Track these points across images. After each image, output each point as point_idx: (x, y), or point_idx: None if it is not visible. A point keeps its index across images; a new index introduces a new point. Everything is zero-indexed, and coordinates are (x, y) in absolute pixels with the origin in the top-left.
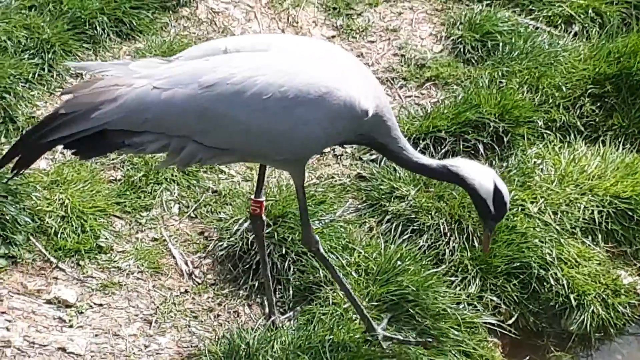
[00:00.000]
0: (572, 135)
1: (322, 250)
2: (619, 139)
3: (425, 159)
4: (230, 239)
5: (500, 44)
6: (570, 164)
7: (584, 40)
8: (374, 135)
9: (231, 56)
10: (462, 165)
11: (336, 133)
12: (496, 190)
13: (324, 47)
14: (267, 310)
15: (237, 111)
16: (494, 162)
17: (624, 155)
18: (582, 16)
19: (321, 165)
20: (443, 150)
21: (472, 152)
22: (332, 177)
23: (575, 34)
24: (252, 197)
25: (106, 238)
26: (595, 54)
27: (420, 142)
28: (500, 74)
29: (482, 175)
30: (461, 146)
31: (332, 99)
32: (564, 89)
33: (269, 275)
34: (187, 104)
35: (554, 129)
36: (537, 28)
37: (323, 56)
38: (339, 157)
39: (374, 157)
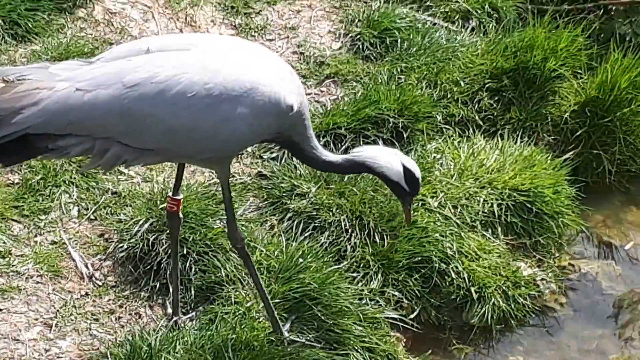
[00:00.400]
0: (471, 130)
1: (246, 248)
2: (517, 132)
3: (332, 156)
4: (131, 241)
5: (399, 41)
6: (469, 158)
7: (481, 35)
8: (291, 133)
9: (154, 55)
10: (368, 153)
11: (261, 130)
12: (406, 170)
13: (246, 45)
14: (169, 310)
15: (161, 110)
16: None
17: (522, 148)
18: (479, 11)
19: None
20: (343, 147)
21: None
22: (233, 176)
23: (473, 29)
24: (170, 194)
25: (4, 242)
26: (493, 48)
27: (321, 139)
28: (399, 70)
29: (388, 158)
30: (361, 142)
31: (257, 94)
32: (462, 83)
33: (178, 274)
34: (111, 104)
35: (453, 123)
36: (434, 24)
37: (246, 54)
38: (239, 155)
39: (274, 155)
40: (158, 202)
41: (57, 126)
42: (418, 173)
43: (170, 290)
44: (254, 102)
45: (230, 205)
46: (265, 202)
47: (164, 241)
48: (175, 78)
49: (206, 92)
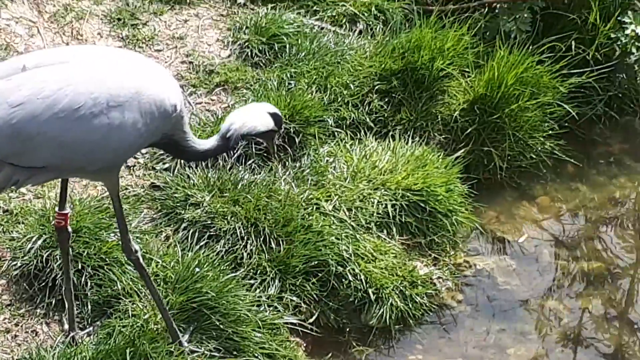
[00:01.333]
0: (363, 132)
1: (141, 259)
2: (408, 133)
3: (209, 143)
4: (24, 258)
5: (287, 46)
6: (362, 160)
7: (369, 37)
8: (173, 132)
9: (34, 72)
10: (236, 123)
11: (149, 133)
12: (274, 116)
13: (121, 53)
14: (66, 326)
15: (51, 126)
16: (287, 163)
17: (413, 148)
18: (366, 14)
19: None
20: (235, 155)
21: (265, 154)
22: (126, 189)
23: (360, 32)
24: (57, 209)
25: None
26: (381, 50)
27: None
28: (288, 75)
29: (256, 116)
30: (253, 149)
31: (143, 98)
32: (352, 86)
33: (71, 289)
34: None
35: (344, 126)
36: (322, 28)
37: (123, 61)
38: (131, 167)
39: (167, 165)
40: (50, 218)
41: None
42: (279, 112)
43: (66, 306)
44: (140, 106)
45: (122, 217)
46: (160, 213)
47: (58, 257)
48: (60, 91)
49: (93, 102)
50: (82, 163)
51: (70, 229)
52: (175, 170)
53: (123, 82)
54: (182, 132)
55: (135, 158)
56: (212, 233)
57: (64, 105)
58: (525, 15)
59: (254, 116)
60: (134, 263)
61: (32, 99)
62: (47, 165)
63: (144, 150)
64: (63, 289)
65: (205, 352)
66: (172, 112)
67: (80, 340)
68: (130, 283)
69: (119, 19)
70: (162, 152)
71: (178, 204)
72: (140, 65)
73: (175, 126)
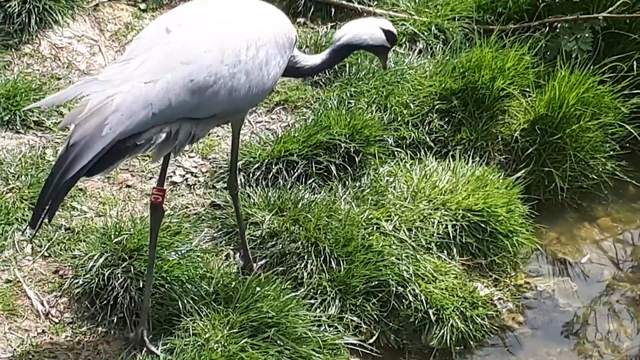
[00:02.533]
0: (423, 152)
1: (239, 195)
2: (468, 153)
3: (318, 58)
4: (86, 276)
5: (347, 65)
6: (422, 180)
7: (429, 57)
8: (291, 58)
9: (184, 30)
10: (349, 35)
11: (283, 64)
12: (386, 32)
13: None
14: (140, 331)
15: (221, 73)
16: (347, 182)
17: (473, 168)
18: (426, 33)
19: (175, 196)
20: (296, 174)
21: (325, 173)
22: (187, 207)
23: (420, 51)
24: (155, 185)
25: None
26: (441, 70)
27: (273, 166)
28: (348, 94)
29: (368, 30)
30: (314, 168)
31: (277, 35)
32: (412, 106)
33: (152, 280)
34: (181, 86)
35: (404, 146)
36: None
37: (249, 8)
38: (192, 186)
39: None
40: (112, 236)
41: (143, 123)
42: (394, 29)
43: (144, 297)
44: (277, 41)
45: (237, 152)
46: (220, 232)
47: (119, 275)
48: (221, 41)
49: (247, 46)
50: (242, 104)
51: (165, 207)
52: None
53: (260, 24)
54: (295, 55)
55: (195, 177)
56: (272, 252)
57: (228, 52)
58: (587, 35)
59: (366, 29)
60: (233, 197)
61: (200, 54)
62: (218, 113)
63: (204, 169)
64: (144, 278)
65: None
66: (293, 42)
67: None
68: (191, 302)
69: None
70: (221, 170)
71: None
72: (262, 9)
73: (293, 53)
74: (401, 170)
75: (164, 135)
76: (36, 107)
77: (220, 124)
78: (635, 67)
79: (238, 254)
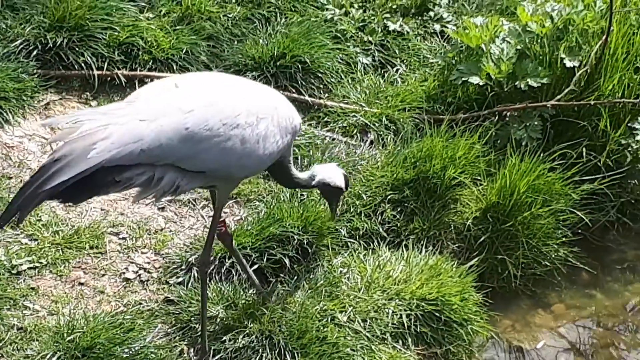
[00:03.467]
0: (376, 242)
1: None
2: (422, 242)
3: (301, 175)
4: None
5: (299, 157)
6: (375, 270)
7: (380, 147)
8: (285, 155)
9: (192, 87)
10: (324, 174)
11: (282, 147)
12: (345, 177)
13: (249, 82)
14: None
15: (216, 131)
16: (300, 274)
17: (427, 257)
18: (377, 124)
19: (128, 293)
20: (250, 266)
21: (279, 266)
22: (140, 303)
23: (372, 142)
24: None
25: None
26: (392, 160)
27: (226, 260)
28: None
29: (337, 174)
30: (266, 261)
31: (280, 115)
32: (364, 196)
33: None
34: (175, 130)
35: (357, 237)
36: (333, 139)
37: (255, 86)
38: (145, 282)
39: (180, 279)
40: (65, 335)
41: (130, 156)
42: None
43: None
44: (280, 121)
45: (214, 229)
46: (174, 328)
47: None
48: (222, 101)
49: (247, 113)
50: (234, 169)
51: (230, 231)
52: (189, 284)
53: (264, 100)
54: (289, 157)
55: (149, 273)
56: (227, 346)
57: (227, 112)
58: (536, 122)
59: (336, 174)
60: (200, 274)
61: (200, 106)
62: (207, 170)
63: (157, 265)
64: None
65: None
66: (296, 131)
67: None
68: None
69: None
70: (175, 265)
71: (192, 318)
72: (268, 90)
73: (288, 150)
74: (355, 261)
75: (144, 178)
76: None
77: (205, 186)
78: (584, 153)
79: (193, 348)
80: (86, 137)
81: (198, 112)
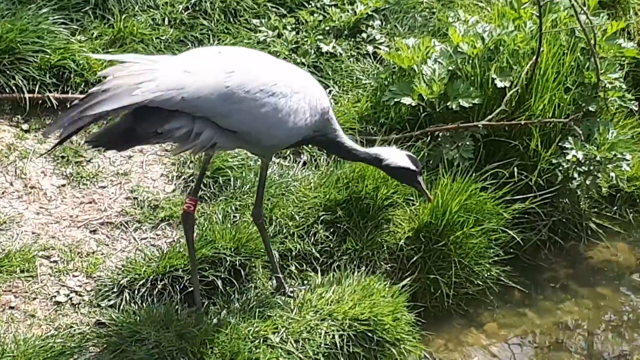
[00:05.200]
0: (309, 263)
1: (264, 224)
2: (354, 263)
3: (357, 146)
4: None
5: (232, 179)
6: (308, 291)
7: (313, 168)
8: (326, 132)
9: (236, 55)
10: (385, 155)
11: (310, 124)
12: (410, 157)
13: (284, 62)
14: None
15: (253, 95)
16: (232, 296)
17: (359, 277)
18: (310, 145)
19: (59, 316)
20: (180, 289)
21: (211, 288)
22: (71, 327)
23: (305, 163)
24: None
25: None
26: (325, 181)
27: (158, 282)
28: (233, 208)
29: (396, 155)
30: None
31: (312, 94)
32: (297, 218)
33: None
34: (215, 85)
35: (290, 258)
36: None
37: (291, 65)
38: (76, 305)
39: (112, 302)
40: None
41: (170, 102)
42: (416, 157)
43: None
44: (309, 99)
45: (263, 187)
46: (106, 351)
47: None
48: (261, 69)
49: (283, 85)
50: (263, 136)
51: (196, 216)
52: (121, 307)
53: (299, 77)
54: (333, 130)
55: (80, 296)
56: None
57: (264, 80)
58: (468, 143)
59: (395, 154)
60: (258, 225)
61: (241, 70)
62: (239, 131)
63: (88, 288)
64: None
65: None
66: (325, 112)
67: None
68: None
69: (62, 157)
70: (106, 288)
71: (124, 341)
72: (301, 70)
73: (326, 126)
74: (287, 282)
75: (184, 131)
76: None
77: (238, 146)
78: (516, 173)
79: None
80: (134, 76)
81: (239, 74)
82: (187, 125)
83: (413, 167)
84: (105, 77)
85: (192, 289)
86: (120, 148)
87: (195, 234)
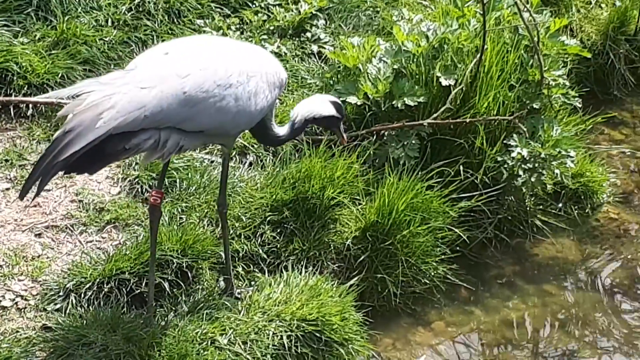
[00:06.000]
0: (256, 264)
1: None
2: (302, 263)
3: (283, 130)
4: None
5: (178, 180)
6: (255, 292)
7: (260, 169)
8: (268, 112)
9: (185, 53)
10: (303, 111)
11: (270, 101)
12: (334, 103)
13: (235, 42)
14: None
15: (212, 92)
16: (180, 298)
17: (307, 278)
18: (256, 146)
19: (4, 321)
20: (127, 291)
21: (158, 290)
22: (17, 332)
23: (251, 164)
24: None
25: None
26: (271, 181)
27: (105, 286)
28: (179, 209)
29: (319, 104)
30: (145, 286)
31: (268, 71)
32: (244, 218)
33: (154, 275)
34: (174, 94)
35: (237, 259)
36: (212, 161)
37: (242, 45)
38: (22, 310)
39: (58, 306)
40: None
41: (134, 123)
42: (339, 100)
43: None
44: (267, 77)
45: (226, 176)
46: (53, 355)
47: None
48: (215, 64)
49: (239, 72)
50: (228, 126)
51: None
52: (67, 311)
53: (252, 58)
54: (271, 115)
55: (26, 300)
56: None
57: (219, 74)
58: (413, 141)
59: (316, 104)
60: (220, 215)
61: (196, 71)
62: (205, 129)
63: (34, 292)
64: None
65: None
66: (282, 84)
67: None
68: None
69: (6, 160)
70: (52, 292)
71: (71, 345)
72: (253, 48)
73: (271, 107)
74: (235, 284)
75: (150, 142)
76: (43, 98)
77: (207, 143)
78: (461, 171)
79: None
80: (93, 107)
81: (194, 76)
82: (154, 135)
83: (338, 115)
84: (65, 117)
85: (138, 291)
86: (92, 170)
87: (141, 236)
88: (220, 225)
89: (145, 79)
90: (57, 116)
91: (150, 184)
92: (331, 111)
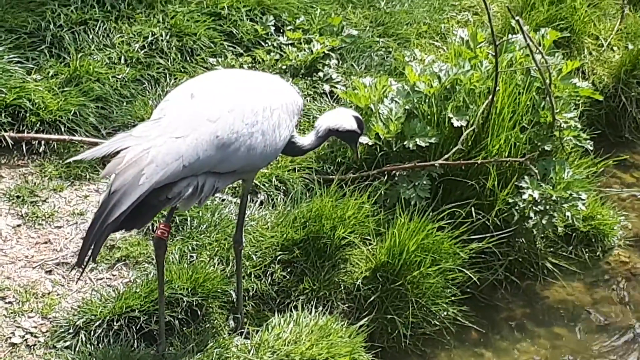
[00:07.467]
0: (266, 303)
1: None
2: (312, 302)
3: (308, 140)
4: None
5: (189, 219)
6: (265, 331)
7: (270, 208)
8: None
9: (208, 94)
10: (329, 122)
11: (292, 128)
12: (356, 118)
13: (255, 74)
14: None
15: (241, 132)
16: (189, 336)
17: (317, 318)
18: (267, 185)
19: (14, 358)
20: (136, 329)
21: (168, 329)
22: None
23: (262, 203)
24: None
25: None
26: (282, 220)
27: (115, 323)
28: (190, 248)
29: (343, 117)
30: (155, 324)
31: (287, 101)
32: (254, 257)
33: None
34: (208, 141)
35: (247, 298)
36: (223, 200)
37: (262, 78)
38: (31, 347)
39: (68, 343)
40: None
41: (175, 174)
42: (360, 116)
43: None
44: (287, 107)
45: (244, 212)
46: None
47: None
48: (241, 103)
49: (263, 108)
50: (257, 161)
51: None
52: (77, 348)
53: (273, 91)
54: (294, 133)
55: (35, 337)
56: None
57: (247, 113)
58: (424, 182)
59: (340, 117)
60: (236, 251)
61: (224, 113)
62: (237, 168)
63: (44, 329)
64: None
65: None
66: (300, 109)
67: None
68: None
69: (17, 197)
70: (62, 329)
71: None
72: (272, 79)
73: (292, 131)
74: (245, 323)
75: (191, 189)
76: (78, 159)
77: (235, 180)
78: (473, 212)
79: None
80: (133, 164)
81: (224, 119)
82: (192, 182)
83: (358, 130)
84: (107, 177)
85: (147, 329)
86: (140, 224)
87: (151, 273)
88: (233, 263)
89: (177, 127)
90: (100, 176)
91: (161, 221)
92: (353, 125)
